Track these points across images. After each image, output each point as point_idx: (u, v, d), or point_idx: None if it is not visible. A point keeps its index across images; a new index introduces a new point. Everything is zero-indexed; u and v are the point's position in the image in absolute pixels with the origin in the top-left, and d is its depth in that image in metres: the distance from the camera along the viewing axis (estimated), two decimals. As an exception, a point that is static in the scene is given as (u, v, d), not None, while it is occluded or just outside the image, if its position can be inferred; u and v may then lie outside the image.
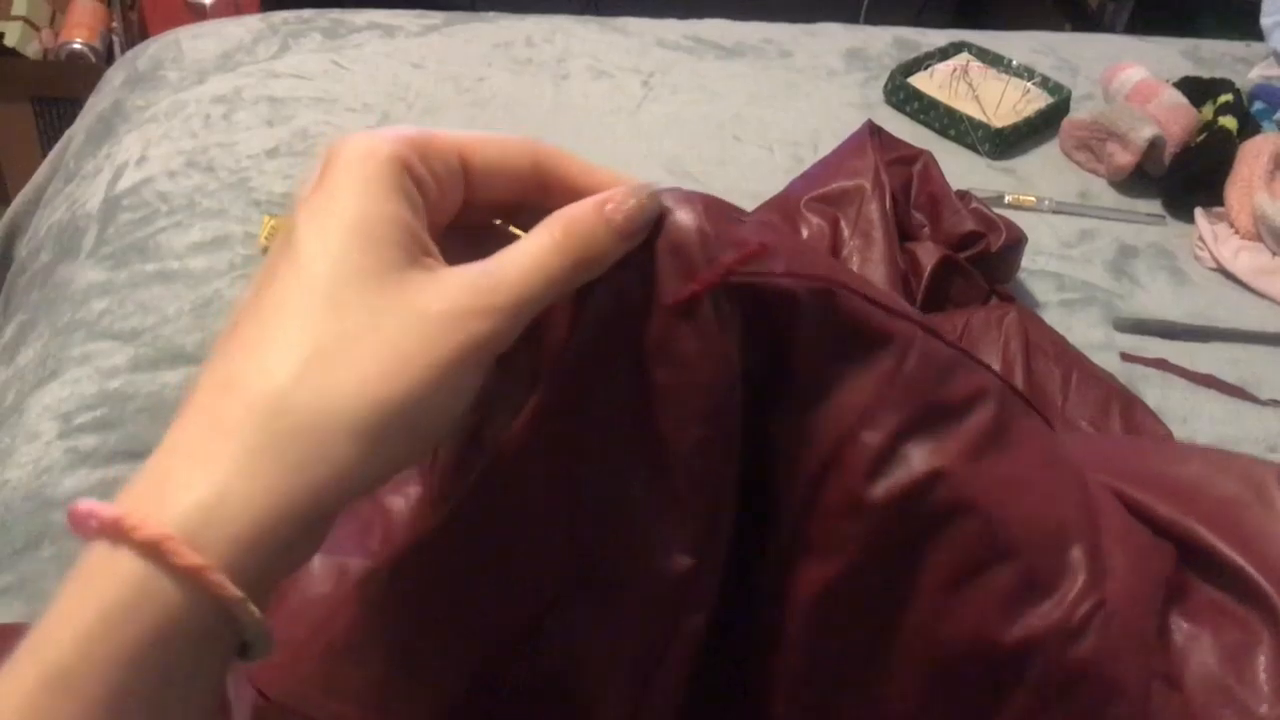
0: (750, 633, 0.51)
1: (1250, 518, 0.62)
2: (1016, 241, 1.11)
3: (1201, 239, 1.26)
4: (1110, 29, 2.31)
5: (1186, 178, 1.31)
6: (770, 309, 0.45)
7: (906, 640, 0.50)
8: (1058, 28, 2.16)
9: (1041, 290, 1.17)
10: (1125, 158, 1.31)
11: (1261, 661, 0.56)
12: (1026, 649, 0.50)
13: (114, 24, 2.06)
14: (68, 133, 1.35)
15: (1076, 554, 0.52)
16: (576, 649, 0.49)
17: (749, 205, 1.02)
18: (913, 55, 1.51)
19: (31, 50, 1.93)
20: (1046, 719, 0.50)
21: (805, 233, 1.04)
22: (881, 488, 0.47)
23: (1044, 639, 0.50)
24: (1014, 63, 1.49)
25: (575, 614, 0.48)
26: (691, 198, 0.46)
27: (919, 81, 1.44)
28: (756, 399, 0.47)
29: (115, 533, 0.33)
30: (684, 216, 0.45)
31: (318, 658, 0.51)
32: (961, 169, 1.31)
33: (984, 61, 1.51)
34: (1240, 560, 0.59)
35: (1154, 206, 1.32)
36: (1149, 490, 0.62)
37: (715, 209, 0.47)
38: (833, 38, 1.58)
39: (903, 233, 1.08)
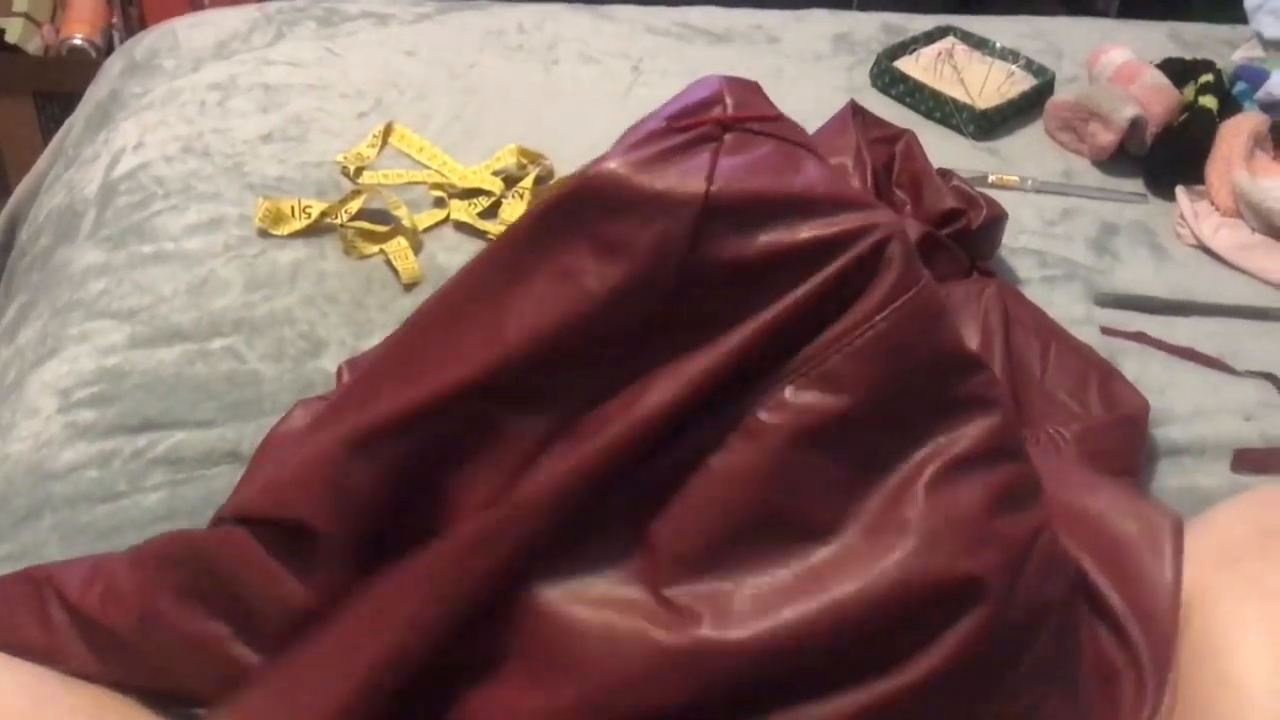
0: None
1: (1137, 561, 0.68)
2: (997, 218, 1.13)
3: (1182, 216, 1.28)
4: (1103, 14, 2.32)
5: (1168, 157, 1.33)
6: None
7: None
8: (1051, 13, 2.17)
9: (1024, 267, 1.19)
10: (1107, 137, 1.32)
11: (1121, 693, 0.64)
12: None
13: (114, 19, 2.07)
14: (68, 121, 1.37)
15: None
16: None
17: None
18: (899, 40, 1.52)
19: (32, 46, 1.95)
20: None
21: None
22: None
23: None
24: (999, 45, 1.51)
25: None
26: (726, 78, 0.60)
27: (904, 65, 1.46)
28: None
29: None
30: (714, 80, 0.58)
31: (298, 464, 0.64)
32: (946, 150, 1.33)
33: (969, 45, 1.52)
34: (1118, 606, 0.66)
35: (1136, 185, 1.34)
36: (1056, 518, 0.66)
37: (741, 84, 0.61)
38: (820, 23, 1.60)
39: (884, 210, 1.09)
